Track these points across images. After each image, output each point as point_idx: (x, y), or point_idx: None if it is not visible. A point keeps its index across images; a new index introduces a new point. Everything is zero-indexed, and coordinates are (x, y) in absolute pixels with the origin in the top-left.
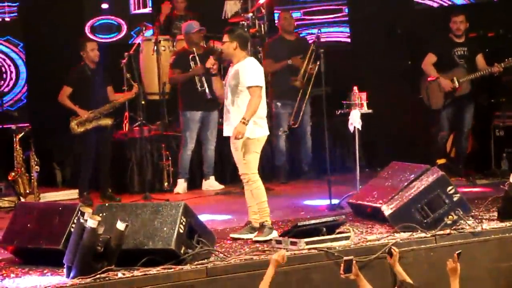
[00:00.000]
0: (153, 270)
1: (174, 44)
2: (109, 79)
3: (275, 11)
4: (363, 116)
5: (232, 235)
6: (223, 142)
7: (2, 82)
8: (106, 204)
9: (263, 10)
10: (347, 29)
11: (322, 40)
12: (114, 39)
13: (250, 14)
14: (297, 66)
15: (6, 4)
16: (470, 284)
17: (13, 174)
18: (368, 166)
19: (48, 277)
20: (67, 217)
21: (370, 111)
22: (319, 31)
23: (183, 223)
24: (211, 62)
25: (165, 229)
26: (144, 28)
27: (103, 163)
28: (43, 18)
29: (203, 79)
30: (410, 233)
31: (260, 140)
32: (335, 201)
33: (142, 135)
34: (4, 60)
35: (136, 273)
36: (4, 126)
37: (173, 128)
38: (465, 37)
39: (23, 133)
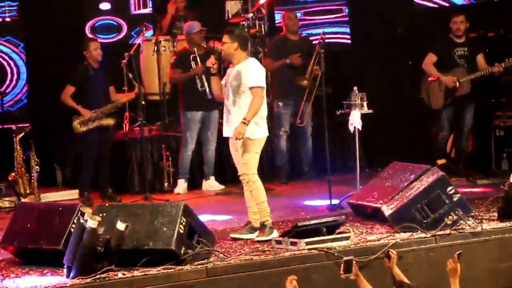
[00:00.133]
0: (153, 270)
1: (175, 44)
2: (111, 79)
3: (275, 12)
4: (363, 116)
5: (232, 235)
6: (224, 143)
7: (6, 82)
8: (106, 204)
9: (263, 11)
10: (348, 29)
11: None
12: (115, 39)
13: (251, 15)
14: (296, 64)
15: (6, 3)
16: (470, 284)
17: (13, 174)
18: (368, 166)
19: (48, 277)
20: (67, 217)
21: (370, 111)
22: (324, 36)
23: (183, 223)
24: (211, 62)
25: (165, 229)
26: (144, 29)
27: (103, 163)
28: (43, 18)
29: (204, 79)
30: (410, 233)
31: (260, 140)
32: (335, 201)
33: (143, 135)
34: (4, 60)
35: (136, 273)
36: (5, 126)
37: (173, 129)
38: (465, 37)
39: (23, 133)
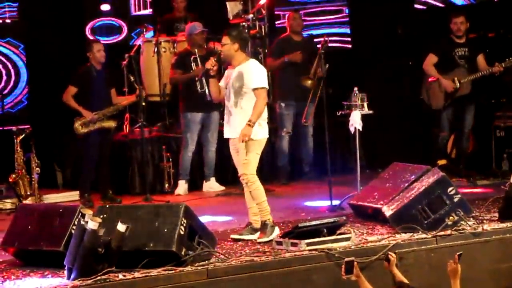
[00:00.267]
0: (154, 272)
1: (175, 45)
2: (112, 81)
3: (275, 12)
4: (364, 117)
5: (232, 236)
6: (224, 144)
7: (3, 83)
8: (107, 206)
9: (263, 11)
10: (348, 30)
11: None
12: (115, 40)
13: (251, 15)
14: (297, 61)
15: (6, 4)
16: (471, 285)
17: (13, 176)
18: (368, 167)
19: (48, 279)
20: (67, 219)
21: (370, 112)
22: (327, 39)
23: (184, 225)
24: (211, 63)
25: (165, 230)
26: (144, 30)
27: (103, 165)
28: (43, 20)
29: (204, 80)
30: (411, 234)
31: (261, 141)
32: (335, 202)
33: (143, 136)
34: (5, 61)
35: (136, 274)
36: (5, 128)
37: (173, 130)
38: (465, 37)
39: (23, 135)
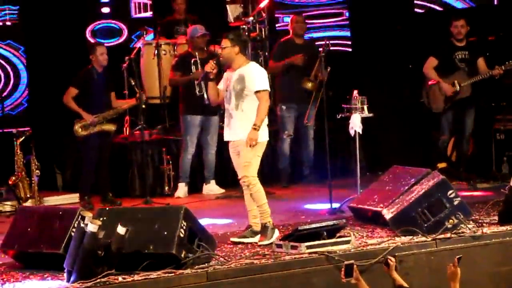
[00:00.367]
0: (154, 274)
1: (175, 48)
2: (113, 85)
3: (275, 15)
4: (364, 120)
5: (232, 239)
6: (224, 147)
7: (3, 86)
8: (107, 208)
9: (263, 14)
10: (348, 33)
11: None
12: (115, 43)
13: (251, 18)
14: (298, 63)
15: (6, 7)
16: None
17: (13, 178)
18: (368, 170)
19: (48, 281)
20: (67, 221)
21: (370, 115)
22: (329, 42)
23: (184, 227)
24: (211, 66)
25: (165, 233)
26: (145, 32)
27: (102, 167)
28: (44, 22)
29: (202, 84)
30: (411, 237)
31: (263, 144)
32: (335, 205)
33: (143, 139)
34: (5, 64)
35: (136, 277)
36: (5, 130)
37: (174, 132)
38: (466, 41)
39: (23, 137)
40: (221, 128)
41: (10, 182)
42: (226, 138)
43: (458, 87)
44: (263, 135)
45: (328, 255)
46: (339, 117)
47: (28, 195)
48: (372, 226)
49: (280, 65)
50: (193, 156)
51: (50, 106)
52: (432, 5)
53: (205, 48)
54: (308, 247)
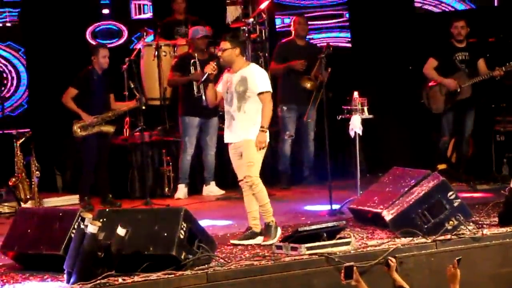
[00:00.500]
0: (154, 276)
1: (175, 49)
2: (111, 87)
3: (276, 16)
4: (364, 122)
5: (232, 241)
6: (224, 148)
7: (3, 87)
8: (107, 210)
9: (264, 16)
10: (348, 34)
11: (322, 44)
12: (115, 44)
13: (251, 19)
14: (297, 69)
15: (7, 10)
16: None
17: (13, 179)
18: (368, 171)
19: (48, 282)
20: (67, 223)
21: (371, 116)
22: (331, 46)
23: (184, 229)
24: (212, 68)
25: (165, 234)
26: (145, 34)
27: (101, 169)
28: (44, 23)
29: (201, 85)
30: (411, 238)
31: (266, 144)
32: (335, 207)
33: (143, 140)
34: (5, 65)
35: (136, 278)
36: (5, 132)
37: (173, 134)
38: (466, 42)
39: (24, 139)
40: (220, 130)
41: (10, 183)
42: (227, 140)
43: (458, 88)
44: (267, 136)
45: (328, 256)
46: (339, 118)
47: (28, 196)
48: (372, 228)
49: (281, 67)
50: (192, 158)
51: (50, 107)
52: (432, 6)
53: (206, 50)
54: (308, 248)
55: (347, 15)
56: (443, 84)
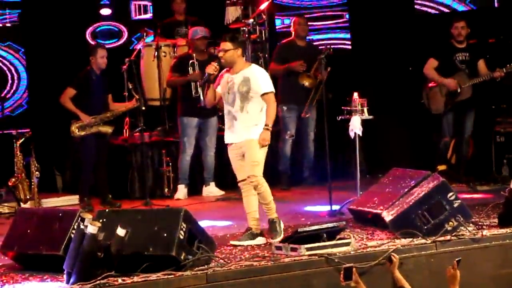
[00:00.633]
0: (153, 276)
1: (175, 49)
2: (109, 87)
3: (276, 17)
4: (364, 122)
5: (232, 242)
6: (224, 149)
7: (3, 88)
8: (107, 210)
9: (264, 16)
10: (348, 35)
11: (322, 45)
12: (115, 44)
13: (251, 20)
14: (297, 70)
15: (7, 10)
16: None
17: (13, 179)
18: (368, 172)
19: (48, 283)
20: (67, 223)
21: (371, 117)
22: (331, 48)
23: (184, 229)
24: (214, 69)
25: (165, 235)
26: (145, 34)
27: (100, 169)
28: (44, 24)
29: (199, 85)
30: (411, 239)
31: (268, 142)
32: (335, 207)
33: (143, 140)
34: (5, 65)
35: (136, 279)
36: (5, 132)
37: (173, 134)
38: (466, 42)
39: (23, 139)
40: (220, 130)
41: (9, 184)
42: (228, 140)
43: (458, 89)
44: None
45: (328, 257)
46: (339, 119)
47: (28, 197)
48: (372, 228)
49: (281, 68)
50: (192, 158)
51: (50, 107)
52: (432, 8)
53: (205, 50)
54: (308, 249)
55: (347, 16)
56: (443, 85)
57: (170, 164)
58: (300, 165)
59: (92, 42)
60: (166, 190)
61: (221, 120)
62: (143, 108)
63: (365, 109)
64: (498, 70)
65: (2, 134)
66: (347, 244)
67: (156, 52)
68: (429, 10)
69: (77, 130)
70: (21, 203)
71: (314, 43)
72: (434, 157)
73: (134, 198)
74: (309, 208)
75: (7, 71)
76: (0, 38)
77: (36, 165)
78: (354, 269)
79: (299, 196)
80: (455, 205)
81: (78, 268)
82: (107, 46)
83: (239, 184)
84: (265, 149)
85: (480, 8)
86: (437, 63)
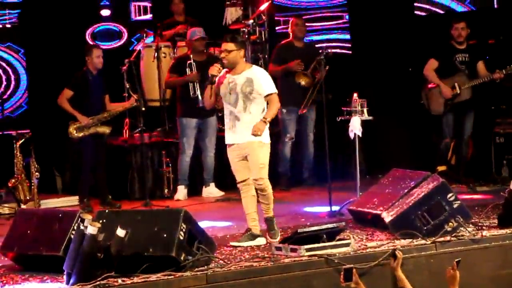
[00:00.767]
0: (153, 277)
1: (175, 50)
2: (106, 87)
3: (275, 18)
4: (364, 123)
5: (232, 243)
6: (223, 149)
7: (3, 88)
8: (106, 211)
9: (263, 17)
10: (348, 36)
11: (322, 46)
12: (115, 45)
13: (251, 21)
14: (294, 70)
15: (7, 11)
16: None
17: (13, 180)
18: (368, 173)
19: (48, 283)
20: (67, 224)
21: (370, 118)
22: (331, 51)
23: (183, 230)
24: (218, 70)
25: (165, 235)
26: (145, 35)
27: (100, 170)
28: (44, 25)
29: (196, 86)
30: (410, 240)
31: (269, 145)
32: (335, 208)
33: (143, 141)
34: (5, 66)
35: (136, 279)
36: (5, 133)
37: (173, 135)
38: (466, 43)
39: (23, 140)
40: (219, 131)
41: (9, 185)
42: (230, 141)
43: (458, 90)
44: (267, 137)
45: (327, 258)
46: (339, 120)
47: (28, 198)
48: (371, 229)
49: (279, 69)
50: (192, 159)
51: (50, 108)
52: (432, 8)
53: (205, 51)
54: (308, 249)
55: (347, 17)
56: (441, 89)
57: (170, 164)
58: (300, 166)
59: (92, 43)
60: (166, 191)
61: (220, 120)
62: (143, 109)
63: (365, 110)
64: (498, 72)
65: (2, 135)
66: (347, 244)
67: (156, 53)
68: (429, 10)
69: (75, 131)
70: (21, 204)
71: (313, 43)
72: (434, 158)
73: (134, 199)
74: (308, 208)
75: (9, 72)
76: (0, 39)
77: (36, 166)
78: (354, 270)
79: (299, 197)
80: (455, 205)
81: (78, 268)
82: (107, 47)
83: (238, 185)
84: (269, 151)
85: (479, 9)
86: (437, 64)
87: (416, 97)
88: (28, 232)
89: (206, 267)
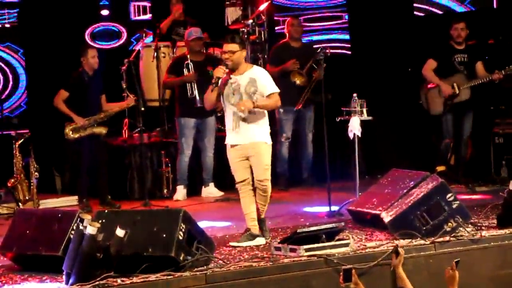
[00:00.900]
0: (152, 277)
1: (174, 50)
2: (103, 87)
3: (275, 18)
4: (363, 123)
5: (231, 243)
6: (223, 149)
7: (2, 88)
8: (106, 211)
9: (263, 17)
10: (347, 36)
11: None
12: (114, 45)
13: (251, 21)
14: (289, 69)
15: (6, 11)
16: None
17: (12, 180)
18: (368, 173)
19: (47, 283)
20: (66, 224)
21: (370, 118)
22: (329, 51)
23: (183, 230)
24: (222, 72)
25: (164, 235)
26: (144, 35)
27: (100, 170)
28: (43, 25)
29: (194, 86)
30: (410, 240)
31: (270, 146)
32: (334, 208)
33: (142, 141)
34: (4, 66)
35: (135, 279)
36: (4, 133)
37: (172, 135)
38: (465, 44)
39: (22, 140)
40: (218, 131)
41: (9, 185)
42: (232, 141)
43: (457, 90)
44: (268, 138)
45: (327, 258)
46: (338, 120)
47: (27, 198)
48: (371, 229)
49: (277, 71)
50: (191, 159)
51: (49, 108)
52: (431, 8)
53: (204, 51)
54: (307, 250)
55: (346, 17)
56: (440, 88)
57: (169, 165)
58: (299, 166)
59: (92, 43)
60: (165, 191)
61: (219, 120)
62: (142, 109)
63: (364, 110)
64: (497, 72)
65: (1, 135)
66: (346, 245)
67: (155, 53)
68: (428, 11)
69: (71, 132)
70: (20, 204)
71: (314, 45)
72: (433, 158)
73: (133, 199)
74: (308, 209)
75: (8, 72)
76: None
77: (35, 166)
78: (353, 270)
79: (298, 197)
80: (454, 206)
81: (77, 268)
82: (106, 47)
83: (237, 186)
84: (270, 152)
85: (479, 9)
86: (436, 64)
87: (415, 97)
88: (27, 232)
89: (205, 267)
